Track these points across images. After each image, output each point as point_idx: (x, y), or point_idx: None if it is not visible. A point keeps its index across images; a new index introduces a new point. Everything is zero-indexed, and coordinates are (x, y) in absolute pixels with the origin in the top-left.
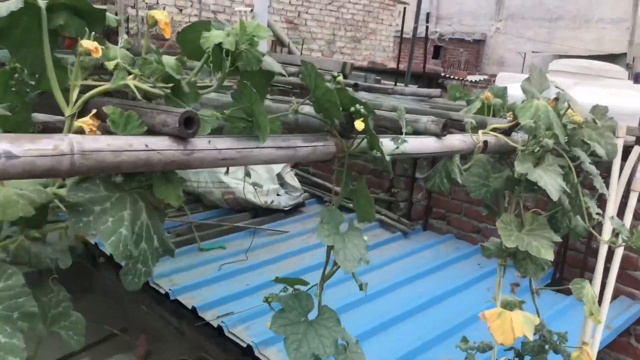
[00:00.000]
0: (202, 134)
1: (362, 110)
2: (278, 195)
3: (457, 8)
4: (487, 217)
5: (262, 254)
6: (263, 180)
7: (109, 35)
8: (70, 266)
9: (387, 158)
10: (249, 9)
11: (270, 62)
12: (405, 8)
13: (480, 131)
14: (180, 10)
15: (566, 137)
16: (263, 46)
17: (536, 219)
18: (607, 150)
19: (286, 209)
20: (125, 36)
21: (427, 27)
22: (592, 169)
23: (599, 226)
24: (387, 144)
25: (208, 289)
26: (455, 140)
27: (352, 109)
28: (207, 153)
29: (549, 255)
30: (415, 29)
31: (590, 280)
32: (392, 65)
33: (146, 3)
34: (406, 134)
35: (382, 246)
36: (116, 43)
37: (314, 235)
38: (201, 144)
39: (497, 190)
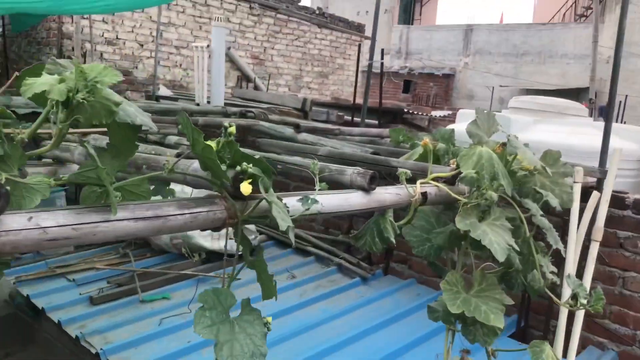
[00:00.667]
0: (29, 206)
1: (250, 170)
2: (230, 238)
3: (426, 44)
4: None
5: None
6: None
7: None
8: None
9: (285, 226)
10: (206, 44)
11: (132, 113)
12: (359, 45)
13: (419, 181)
14: (141, 45)
15: (516, 187)
16: (230, 82)
17: (486, 278)
18: (561, 199)
19: (239, 253)
20: None
21: (382, 64)
22: (544, 222)
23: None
24: (293, 205)
25: (145, 346)
26: (387, 194)
27: (238, 168)
28: (26, 234)
29: (498, 322)
30: (370, 65)
31: (554, 333)
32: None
33: (105, 38)
34: (323, 189)
35: (340, 294)
36: None
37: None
38: (17, 222)
39: (441, 247)
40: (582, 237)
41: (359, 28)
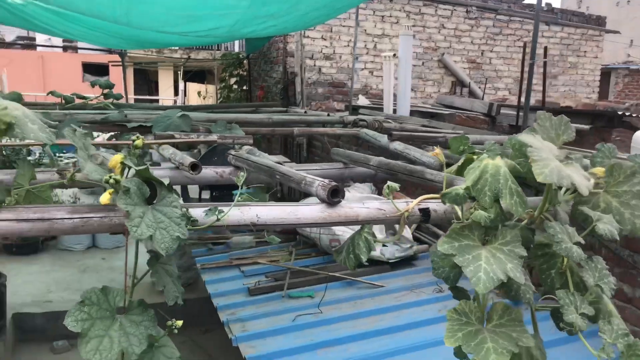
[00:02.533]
0: None
1: (112, 181)
2: (384, 246)
3: None
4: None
5: (345, 307)
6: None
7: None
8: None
9: (175, 241)
10: (392, 53)
11: (29, 130)
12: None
13: (421, 197)
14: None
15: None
16: (444, 88)
17: (508, 311)
18: (633, 225)
19: (391, 261)
20: None
21: None
22: (573, 252)
23: None
24: (198, 215)
25: (272, 339)
26: (362, 209)
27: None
28: None
29: None
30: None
31: None
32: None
33: (323, 54)
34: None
35: None
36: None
37: (410, 293)
38: None
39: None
40: None
41: (598, 21)
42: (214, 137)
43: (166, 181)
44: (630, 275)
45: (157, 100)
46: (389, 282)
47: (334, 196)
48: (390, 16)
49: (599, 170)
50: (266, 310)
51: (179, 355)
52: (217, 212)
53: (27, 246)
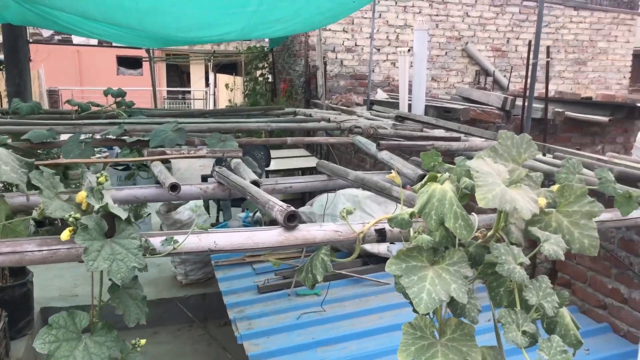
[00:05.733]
0: None
1: (72, 219)
2: (392, 243)
3: None
4: (613, 292)
5: (348, 305)
6: None
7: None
8: None
9: (132, 271)
10: (407, 49)
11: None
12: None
13: (377, 218)
14: (378, 49)
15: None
16: (467, 78)
17: (462, 327)
18: (581, 244)
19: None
20: None
21: None
22: (515, 274)
23: None
24: (156, 244)
25: (275, 337)
26: (318, 231)
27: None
28: None
29: None
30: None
31: None
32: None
33: (345, 46)
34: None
35: None
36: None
37: None
38: None
39: None
40: None
41: (630, 4)
42: (203, 151)
43: (124, 215)
44: (627, 276)
45: (188, 92)
46: (394, 280)
47: (290, 221)
48: (413, 6)
49: (555, 188)
50: (273, 309)
51: None
52: (172, 242)
53: None
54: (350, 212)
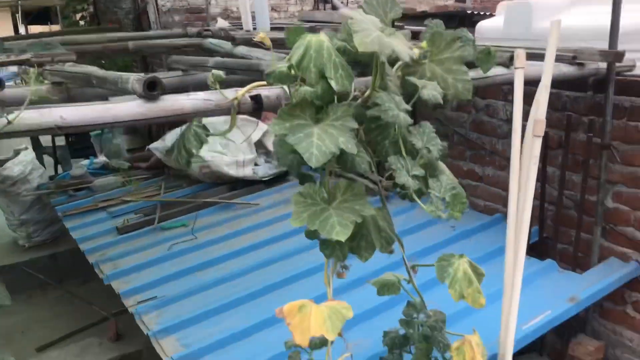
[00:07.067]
0: None
1: None
2: (256, 165)
3: None
4: (469, 173)
5: (220, 230)
6: (239, 150)
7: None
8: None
9: None
10: None
11: None
12: None
13: (251, 85)
14: None
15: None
16: (307, 6)
17: (351, 188)
18: (455, 89)
19: (264, 179)
20: None
21: None
22: (402, 119)
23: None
24: None
25: (147, 271)
26: (187, 101)
27: None
28: None
29: (341, 235)
30: None
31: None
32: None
33: None
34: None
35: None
36: None
37: (285, 207)
38: None
39: None
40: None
41: None
42: (27, 55)
43: None
44: (480, 156)
45: None
46: (264, 200)
47: (151, 89)
48: None
49: (424, 43)
50: (138, 246)
51: None
52: (6, 115)
53: None
54: (219, 78)
